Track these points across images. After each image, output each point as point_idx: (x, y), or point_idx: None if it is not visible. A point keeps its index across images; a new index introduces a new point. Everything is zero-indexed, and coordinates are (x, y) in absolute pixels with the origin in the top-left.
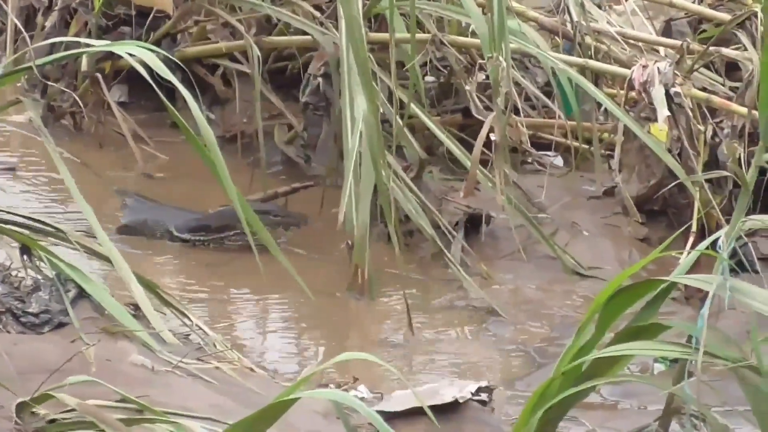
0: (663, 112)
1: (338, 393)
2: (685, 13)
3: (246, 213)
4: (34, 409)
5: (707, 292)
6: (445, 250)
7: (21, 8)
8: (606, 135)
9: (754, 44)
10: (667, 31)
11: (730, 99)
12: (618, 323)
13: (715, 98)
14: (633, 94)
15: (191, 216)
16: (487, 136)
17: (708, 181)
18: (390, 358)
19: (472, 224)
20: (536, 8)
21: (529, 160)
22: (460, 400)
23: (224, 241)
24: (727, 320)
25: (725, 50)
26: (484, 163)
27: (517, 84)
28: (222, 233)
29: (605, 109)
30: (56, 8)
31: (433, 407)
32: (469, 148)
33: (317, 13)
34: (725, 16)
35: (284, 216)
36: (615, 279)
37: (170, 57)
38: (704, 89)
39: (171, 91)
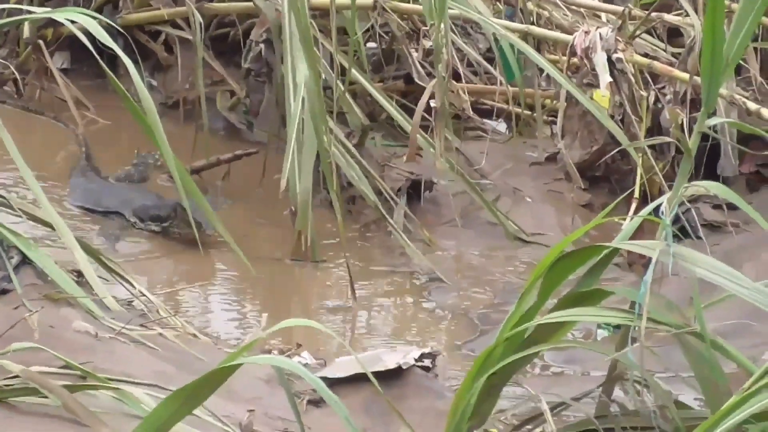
0: (605, 78)
1: (281, 359)
2: None
3: (183, 179)
4: None
5: (650, 258)
6: (388, 217)
7: None
8: (548, 101)
9: (696, 10)
10: None
11: (672, 65)
12: (561, 289)
13: (657, 64)
14: (575, 60)
15: (143, 200)
16: (430, 103)
17: (650, 147)
18: (333, 325)
19: (415, 190)
20: None
21: (472, 126)
22: (404, 366)
23: (168, 230)
24: (670, 286)
25: (667, 16)
26: (426, 129)
27: (459, 50)
28: (165, 222)
29: (547, 76)
30: None
31: (376, 373)
32: (411, 114)
33: None
34: None
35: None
36: (557, 245)
37: (112, 24)
38: (646, 55)
39: (113, 58)
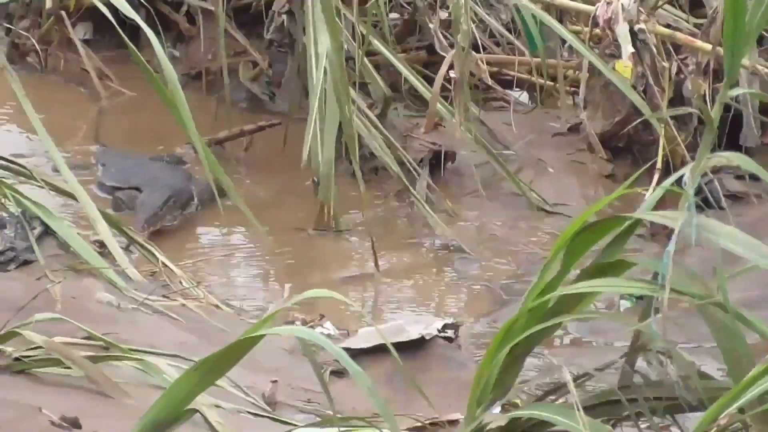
0: (627, 48)
1: (304, 330)
2: None
3: (206, 154)
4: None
5: (673, 229)
6: (410, 187)
7: None
8: (571, 72)
9: None
10: None
11: (694, 36)
12: (583, 260)
13: (679, 35)
14: (597, 30)
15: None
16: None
17: (673, 117)
18: (356, 296)
19: (438, 161)
20: None
21: (494, 97)
22: (427, 337)
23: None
24: (693, 257)
25: None
26: (448, 100)
27: (482, 21)
28: (185, 210)
29: (570, 46)
30: None
31: (399, 344)
32: (433, 85)
33: None
34: None
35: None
36: (580, 216)
37: None
38: (668, 26)
39: (136, 29)
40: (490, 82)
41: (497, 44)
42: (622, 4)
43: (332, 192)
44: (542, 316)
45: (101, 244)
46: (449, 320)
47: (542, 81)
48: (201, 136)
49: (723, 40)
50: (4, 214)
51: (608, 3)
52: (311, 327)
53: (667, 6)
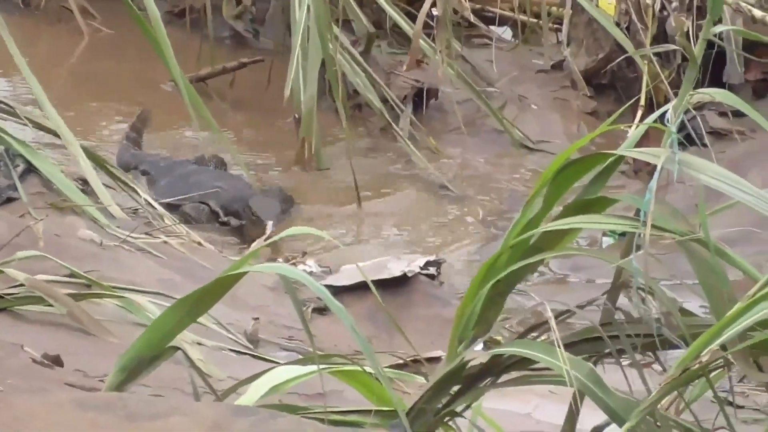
0: None
1: (286, 267)
2: None
3: (189, 91)
4: None
5: (655, 166)
6: (393, 124)
7: None
8: (554, 9)
9: None
10: None
11: None
12: (566, 197)
13: None
14: None
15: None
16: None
17: (656, 54)
18: (338, 232)
19: (421, 98)
20: None
21: (477, 34)
22: (409, 274)
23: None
24: (675, 194)
25: None
26: (431, 37)
27: None
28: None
29: None
30: None
31: (381, 281)
32: (416, 22)
33: None
34: None
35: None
36: (563, 152)
37: None
38: None
39: None
40: (472, 19)
41: None
42: None
43: (314, 129)
44: (524, 253)
45: (84, 182)
46: (432, 257)
47: (525, 18)
48: (184, 73)
49: None
50: None
51: None
52: (293, 264)
53: None
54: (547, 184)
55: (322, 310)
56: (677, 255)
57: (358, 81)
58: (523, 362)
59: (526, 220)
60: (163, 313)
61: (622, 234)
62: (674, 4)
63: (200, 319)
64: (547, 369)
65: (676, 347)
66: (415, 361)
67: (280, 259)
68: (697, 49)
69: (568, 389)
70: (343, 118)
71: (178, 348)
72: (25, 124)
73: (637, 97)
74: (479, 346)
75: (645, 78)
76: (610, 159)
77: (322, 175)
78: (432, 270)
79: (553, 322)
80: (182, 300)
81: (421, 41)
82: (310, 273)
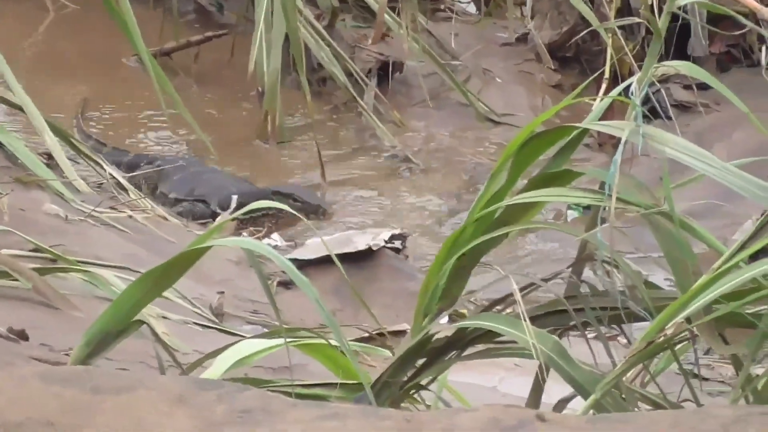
0: None
1: (250, 241)
2: None
3: (153, 65)
4: None
5: (620, 139)
6: (358, 98)
7: None
8: None
9: None
10: None
11: None
12: (531, 170)
13: None
14: None
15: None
16: None
17: (620, 27)
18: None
19: (385, 72)
20: None
21: (441, 7)
22: (374, 248)
23: (256, 221)
24: (640, 167)
25: None
26: (396, 11)
27: None
28: (253, 213)
29: None
30: None
31: (346, 255)
32: None
33: None
34: None
35: (303, 202)
36: (527, 125)
37: None
38: None
39: None
40: None
41: None
42: None
43: (278, 102)
44: (489, 227)
45: (49, 156)
46: (397, 231)
47: None
48: (148, 48)
49: None
50: None
51: None
52: (258, 238)
53: None
54: (511, 157)
55: (287, 284)
56: (642, 228)
57: (322, 55)
58: (488, 335)
59: (490, 194)
60: (128, 288)
61: (587, 207)
62: None
63: (165, 293)
64: (513, 342)
65: (642, 320)
66: (380, 334)
67: (245, 233)
68: (662, 22)
69: (534, 362)
70: (306, 91)
71: (143, 322)
72: None
73: (601, 70)
74: (444, 320)
75: (609, 51)
76: (575, 132)
77: (285, 147)
78: (397, 243)
79: (518, 295)
80: (147, 274)
81: (385, 15)
82: (275, 247)
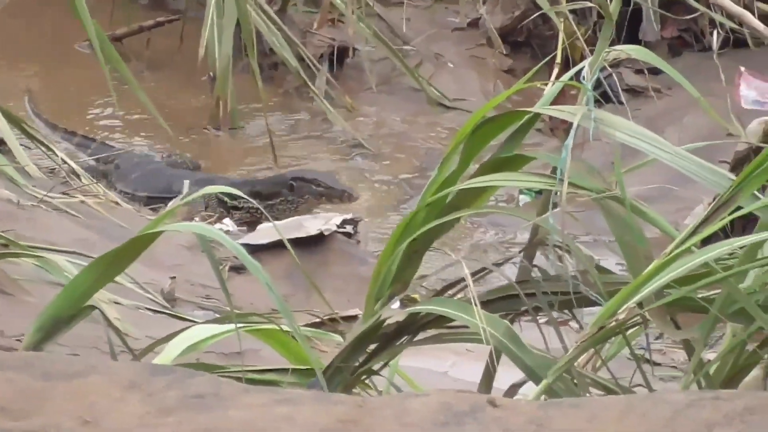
0: None
1: (202, 226)
2: None
3: (105, 46)
4: None
5: (571, 123)
6: (310, 83)
7: None
8: None
9: None
10: None
11: None
12: (483, 155)
13: None
14: None
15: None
16: None
17: (572, 12)
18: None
19: (337, 57)
20: None
21: None
22: (326, 233)
23: (273, 208)
24: (592, 151)
25: None
26: None
27: None
28: (271, 200)
29: None
30: None
31: (298, 240)
32: None
33: None
34: None
35: (328, 187)
36: (479, 110)
37: None
38: None
39: None
40: None
41: None
42: None
43: (229, 87)
44: (441, 211)
45: (0, 141)
46: (348, 216)
47: None
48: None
49: None
50: None
51: None
52: (210, 223)
53: None
54: (463, 141)
55: (239, 269)
56: (594, 212)
57: (273, 40)
58: (440, 320)
59: (442, 179)
60: (80, 273)
61: (539, 192)
62: None
63: (117, 279)
64: (464, 327)
65: (593, 305)
66: (332, 319)
67: (197, 218)
68: (613, 6)
69: (485, 347)
70: (257, 76)
71: (95, 307)
72: None
73: (553, 55)
74: (396, 305)
75: (561, 35)
76: (527, 116)
77: (237, 133)
78: (349, 228)
79: (469, 280)
80: (99, 259)
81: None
82: (227, 232)
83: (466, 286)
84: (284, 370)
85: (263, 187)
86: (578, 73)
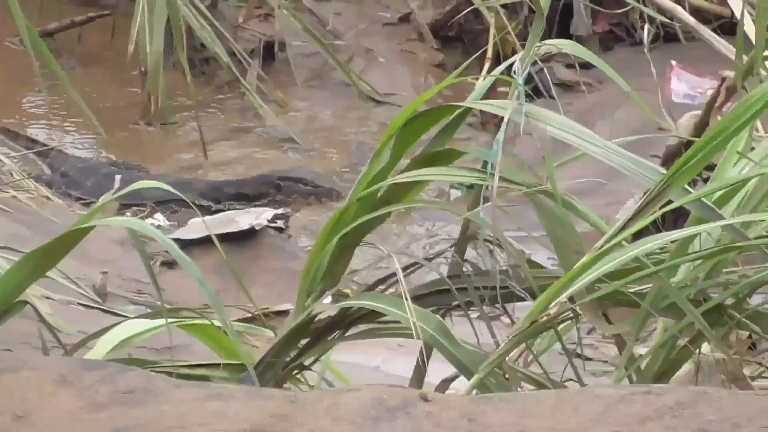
0: None
1: (134, 221)
2: None
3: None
4: None
5: (503, 118)
6: (241, 78)
7: None
8: None
9: None
10: None
11: None
12: (414, 149)
13: None
14: None
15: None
16: None
17: (503, 6)
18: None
19: (269, 52)
20: None
21: None
22: (257, 228)
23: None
24: (523, 146)
25: None
26: None
27: None
28: (258, 201)
29: None
30: None
31: (229, 234)
32: None
33: None
34: None
35: (316, 186)
36: (410, 105)
37: None
38: None
39: None
40: None
41: None
42: None
43: (160, 83)
44: (372, 206)
45: None
46: (279, 210)
47: None
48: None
49: None
50: None
51: None
52: (142, 218)
53: None
54: (394, 136)
55: (170, 264)
56: (525, 207)
57: (204, 35)
58: (371, 315)
59: (373, 173)
60: (10, 268)
61: (470, 186)
62: None
63: (49, 273)
64: (396, 322)
65: (525, 299)
66: (264, 314)
67: (128, 213)
68: (544, 1)
69: (417, 342)
70: (187, 72)
71: (27, 302)
72: None
73: (484, 49)
74: (328, 299)
75: (492, 30)
76: (458, 111)
77: (169, 129)
78: (280, 223)
79: (401, 275)
80: (30, 254)
81: None
82: (158, 227)
83: (397, 281)
84: (216, 365)
85: (249, 188)
86: (509, 67)
